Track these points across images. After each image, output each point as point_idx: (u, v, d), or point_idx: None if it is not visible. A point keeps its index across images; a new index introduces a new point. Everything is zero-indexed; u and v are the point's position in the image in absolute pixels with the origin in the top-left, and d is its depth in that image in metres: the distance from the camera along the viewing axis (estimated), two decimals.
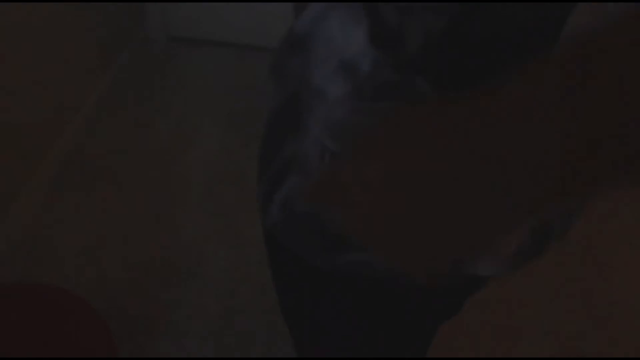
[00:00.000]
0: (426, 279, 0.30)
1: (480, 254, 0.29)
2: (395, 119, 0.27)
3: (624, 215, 1.71)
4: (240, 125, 1.93)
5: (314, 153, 0.43)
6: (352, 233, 0.30)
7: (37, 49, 1.52)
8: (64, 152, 1.73)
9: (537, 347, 1.39)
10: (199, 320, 1.40)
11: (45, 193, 1.65)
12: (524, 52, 0.36)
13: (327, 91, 0.40)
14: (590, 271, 1.56)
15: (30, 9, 1.44)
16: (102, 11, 1.86)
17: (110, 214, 1.62)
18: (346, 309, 0.53)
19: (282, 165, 0.47)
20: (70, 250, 1.52)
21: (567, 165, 0.24)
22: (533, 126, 0.23)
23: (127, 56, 2.14)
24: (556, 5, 0.35)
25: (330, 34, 0.40)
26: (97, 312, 1.15)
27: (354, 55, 0.38)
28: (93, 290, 1.45)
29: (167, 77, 2.13)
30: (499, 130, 0.24)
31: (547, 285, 1.52)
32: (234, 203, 1.68)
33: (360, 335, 0.56)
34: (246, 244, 1.57)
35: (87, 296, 1.40)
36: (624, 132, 0.22)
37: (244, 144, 1.86)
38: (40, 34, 1.52)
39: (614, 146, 0.23)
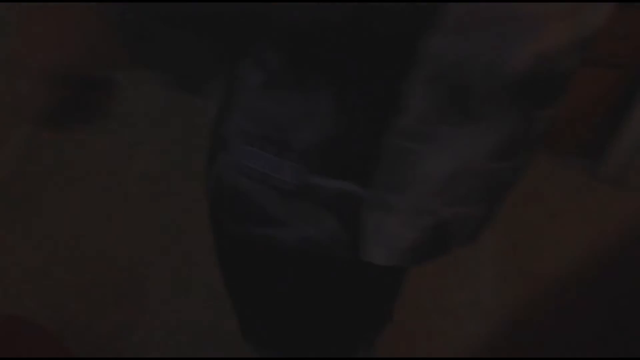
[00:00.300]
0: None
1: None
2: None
3: (552, 188, 1.82)
4: (180, 140, 1.95)
5: (235, 132, 0.48)
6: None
7: None
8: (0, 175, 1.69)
9: (477, 325, 1.47)
10: (156, 338, 1.40)
11: None
12: None
13: (247, 78, 0.46)
14: (525, 243, 1.65)
15: None
16: None
17: (52, 237, 1.60)
18: (274, 283, 0.55)
19: (216, 142, 0.51)
20: (13, 277, 1.49)
21: None
22: None
23: None
24: None
25: None
26: (55, 338, 1.12)
27: None
28: (45, 315, 1.42)
29: None
30: None
31: (484, 260, 1.60)
32: (180, 215, 1.69)
33: (291, 312, 0.57)
34: (194, 255, 1.58)
35: (40, 322, 1.38)
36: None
37: (186, 155, 1.88)
38: None
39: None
